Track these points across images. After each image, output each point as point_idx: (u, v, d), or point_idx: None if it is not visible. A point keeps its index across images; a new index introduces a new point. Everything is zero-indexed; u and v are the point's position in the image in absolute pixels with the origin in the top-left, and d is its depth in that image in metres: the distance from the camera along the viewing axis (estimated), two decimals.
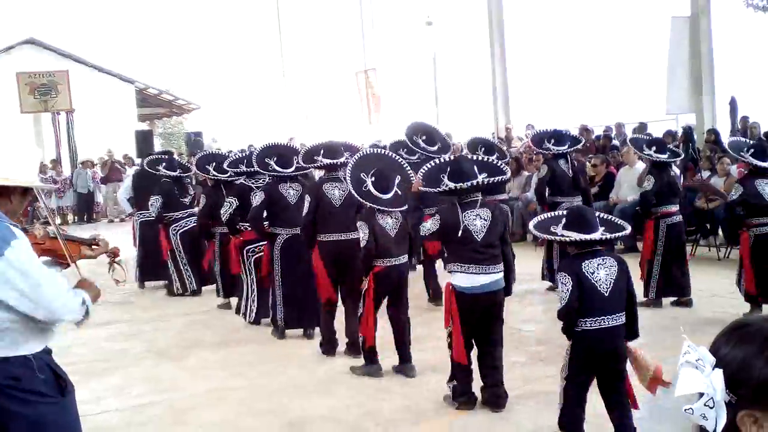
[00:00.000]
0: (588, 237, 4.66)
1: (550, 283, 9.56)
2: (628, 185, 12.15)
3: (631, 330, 4.83)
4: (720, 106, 15.52)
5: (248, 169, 8.75)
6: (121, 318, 9.50)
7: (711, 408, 1.49)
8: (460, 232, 5.49)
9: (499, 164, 5.96)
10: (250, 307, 8.73)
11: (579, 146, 10.43)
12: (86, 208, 23.07)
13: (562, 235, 4.74)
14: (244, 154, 9.77)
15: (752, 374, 1.47)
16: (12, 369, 3.31)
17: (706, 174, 11.73)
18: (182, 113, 36.92)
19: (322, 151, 7.45)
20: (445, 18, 25.93)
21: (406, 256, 6.63)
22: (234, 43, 39.44)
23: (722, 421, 1.48)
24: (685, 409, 1.52)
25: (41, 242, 3.76)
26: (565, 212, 5.01)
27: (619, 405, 4.81)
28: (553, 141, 9.64)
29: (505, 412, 5.60)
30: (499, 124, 20.50)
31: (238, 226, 8.62)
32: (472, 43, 24.34)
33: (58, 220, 11.16)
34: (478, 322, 5.67)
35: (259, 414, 5.88)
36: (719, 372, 1.49)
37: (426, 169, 5.91)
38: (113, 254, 4.29)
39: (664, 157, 8.51)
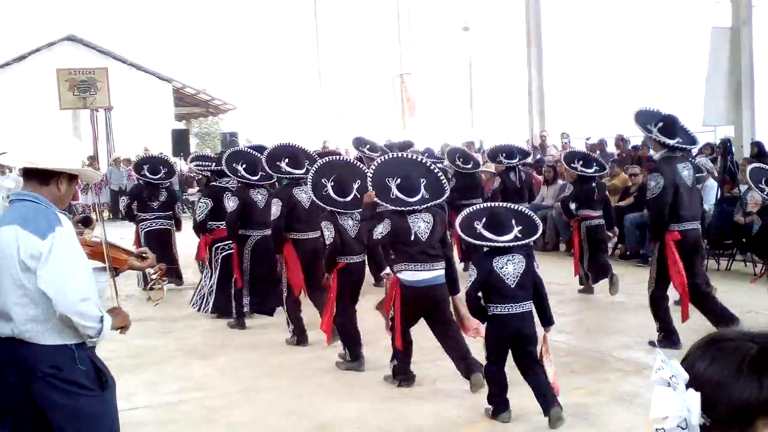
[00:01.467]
0: (499, 243, 5.46)
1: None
2: None
3: (543, 317, 5.65)
4: (760, 119, 15.29)
5: (217, 168, 9.46)
6: (153, 316, 9.54)
7: (684, 430, 1.41)
8: (412, 236, 6.14)
9: (442, 180, 6.59)
10: (206, 299, 9.37)
11: (527, 159, 12.22)
12: (120, 204, 23.29)
13: (481, 237, 5.50)
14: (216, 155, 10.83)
15: (730, 396, 1.40)
16: (54, 357, 3.35)
17: (744, 188, 11.57)
18: (218, 113, 37.22)
19: (286, 159, 8.09)
20: (482, 23, 25.87)
21: (364, 255, 7.33)
22: (271, 45, 39.64)
23: None
24: (656, 430, 1.44)
25: (91, 245, 3.80)
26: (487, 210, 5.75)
27: (535, 379, 5.50)
28: (504, 155, 11.12)
29: (535, 423, 5.56)
30: (534, 131, 20.37)
31: (208, 226, 9.29)
32: (508, 49, 24.25)
33: (93, 216, 11.28)
34: (426, 312, 6.31)
35: (288, 415, 5.89)
36: (695, 394, 1.41)
37: (373, 179, 6.48)
38: (161, 272, 4.31)
39: (589, 171, 9.68)
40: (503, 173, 11.08)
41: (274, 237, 7.99)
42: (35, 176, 3.45)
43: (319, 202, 7.09)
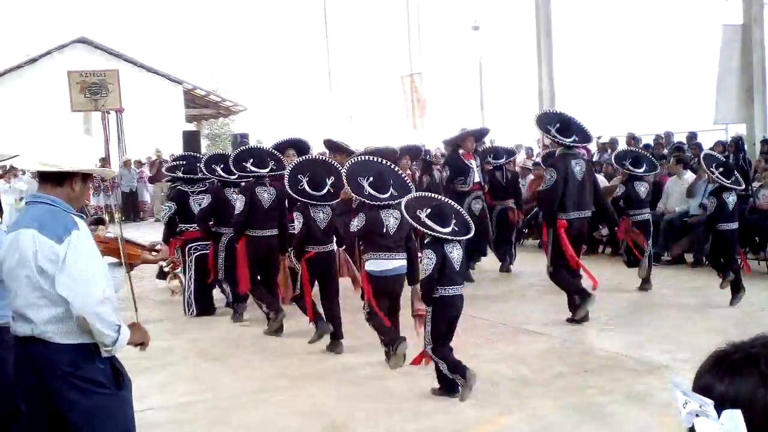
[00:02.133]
0: (445, 235, 6.01)
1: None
2: (677, 195, 12.00)
3: None
4: None
5: (187, 176, 9.80)
6: (166, 316, 9.61)
7: None
8: (384, 229, 6.82)
9: (407, 181, 7.30)
10: (189, 302, 9.60)
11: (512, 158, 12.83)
12: (131, 207, 23.40)
13: (428, 226, 6.01)
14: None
15: (766, 403, 1.39)
16: (73, 356, 3.38)
17: (756, 185, 11.53)
18: (229, 114, 37.29)
19: (251, 159, 8.63)
20: (492, 23, 25.86)
21: (333, 244, 7.80)
22: (281, 46, 39.73)
23: None
24: None
25: (105, 242, 3.83)
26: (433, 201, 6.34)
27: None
28: (492, 156, 11.77)
29: (548, 422, 5.55)
30: None
31: (177, 228, 9.60)
32: (518, 49, 24.23)
33: (106, 218, 11.36)
34: (391, 296, 7.04)
35: (300, 416, 5.90)
36: (735, 412, 1.38)
37: (348, 178, 7.08)
38: (173, 264, 4.36)
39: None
40: (491, 172, 11.70)
41: (234, 231, 8.67)
42: (50, 178, 3.47)
43: (294, 196, 7.66)
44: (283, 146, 9.49)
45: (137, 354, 3.82)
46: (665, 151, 14.63)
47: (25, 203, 3.61)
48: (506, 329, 8.32)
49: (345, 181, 7.13)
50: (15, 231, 3.41)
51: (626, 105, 21.13)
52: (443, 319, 6.12)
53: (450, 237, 6.02)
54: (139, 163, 24.02)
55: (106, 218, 11.38)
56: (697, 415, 1.43)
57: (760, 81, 14.93)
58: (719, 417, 1.39)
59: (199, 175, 9.63)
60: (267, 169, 8.57)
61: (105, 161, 24.04)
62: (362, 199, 7.05)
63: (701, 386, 1.47)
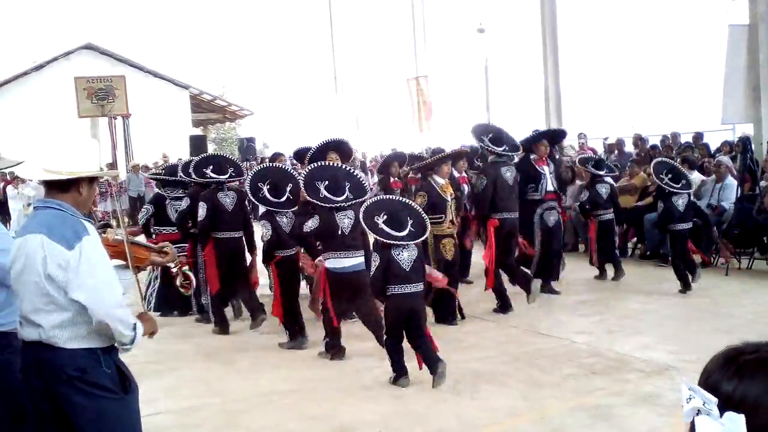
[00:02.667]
0: (395, 241, 6.43)
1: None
2: None
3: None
4: None
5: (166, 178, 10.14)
6: (173, 321, 9.62)
7: None
8: (339, 230, 7.22)
9: (363, 183, 7.66)
10: (149, 299, 9.87)
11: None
12: (139, 211, 23.43)
13: (381, 231, 6.43)
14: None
15: (765, 412, 1.36)
16: (79, 360, 3.38)
17: (764, 184, 11.49)
18: (235, 119, 37.36)
19: (211, 166, 9.00)
20: (498, 25, 25.87)
21: (298, 247, 8.15)
22: (287, 50, 39.76)
23: None
24: None
25: (113, 245, 3.83)
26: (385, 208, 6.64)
27: (423, 347, 6.47)
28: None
29: (557, 425, 5.54)
30: None
31: (153, 230, 9.99)
32: (524, 50, 24.24)
33: (113, 223, 11.43)
34: (349, 294, 7.37)
35: (308, 418, 5.89)
36: (738, 416, 1.36)
37: (304, 182, 7.47)
38: (181, 264, 4.36)
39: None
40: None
41: (199, 235, 9.08)
42: (56, 183, 3.47)
43: (256, 203, 8.18)
44: (324, 149, 8.87)
45: (145, 358, 3.82)
46: (673, 153, 14.59)
47: (33, 208, 3.60)
48: (515, 331, 8.30)
49: (302, 185, 7.53)
50: (23, 236, 3.42)
51: (632, 106, 21.10)
52: (397, 316, 6.53)
53: (400, 243, 6.44)
54: (147, 168, 24.04)
55: (113, 223, 11.47)
56: (698, 413, 1.41)
57: (766, 81, 14.86)
58: (721, 417, 1.37)
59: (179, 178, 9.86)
60: (226, 175, 8.94)
61: (112, 166, 24.09)
62: (317, 202, 7.39)
63: (708, 384, 1.44)
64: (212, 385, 6.98)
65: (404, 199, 7.08)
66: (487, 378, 6.62)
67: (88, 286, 3.29)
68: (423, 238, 6.71)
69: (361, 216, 6.62)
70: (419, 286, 6.56)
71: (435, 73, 26.59)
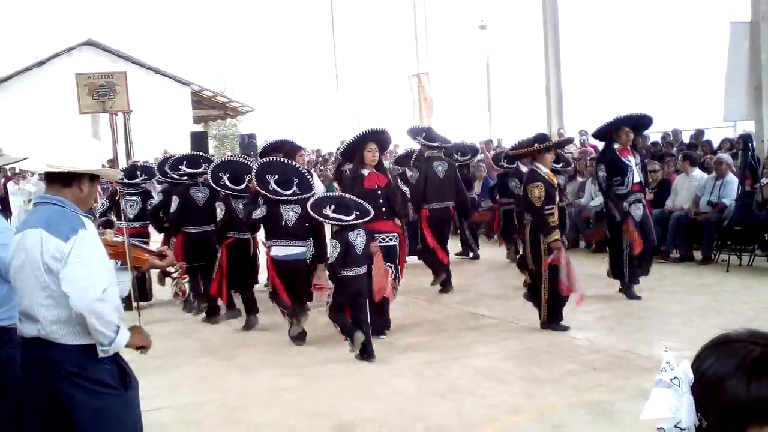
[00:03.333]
0: (353, 221, 7.23)
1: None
2: (686, 193, 11.96)
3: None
4: None
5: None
6: (174, 317, 9.63)
7: (682, 430, 1.44)
8: (282, 221, 7.92)
9: (310, 180, 8.28)
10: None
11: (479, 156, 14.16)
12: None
13: (334, 218, 7.24)
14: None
15: (721, 396, 1.40)
16: (78, 356, 3.38)
17: (765, 181, 11.48)
18: (236, 115, 37.36)
19: (185, 162, 9.60)
20: (499, 22, 25.83)
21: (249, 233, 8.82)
22: (288, 47, 39.77)
23: None
24: (658, 428, 1.48)
25: (113, 245, 3.83)
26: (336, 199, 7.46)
27: (363, 322, 7.30)
28: (459, 153, 12.23)
29: (558, 422, 5.54)
30: (553, 129, 20.26)
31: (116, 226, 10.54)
32: (525, 47, 24.20)
33: (114, 219, 11.47)
34: (290, 279, 8.06)
35: (309, 416, 5.90)
36: (690, 399, 1.43)
37: (256, 174, 8.01)
38: (181, 271, 4.35)
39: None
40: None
41: (170, 228, 9.70)
42: (58, 179, 3.48)
43: (217, 188, 8.85)
44: (362, 140, 8.40)
45: (147, 354, 3.81)
46: (674, 149, 14.58)
47: (33, 204, 3.61)
48: (516, 327, 8.30)
49: (253, 177, 8.07)
50: (22, 231, 3.43)
51: (634, 103, 21.04)
52: (345, 295, 7.28)
53: (353, 222, 7.21)
54: (146, 164, 23.99)
55: (114, 219, 11.49)
56: (668, 386, 1.47)
57: None
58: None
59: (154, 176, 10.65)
60: (200, 170, 9.45)
61: (113, 163, 24.07)
62: (265, 193, 7.97)
63: (697, 359, 1.50)
64: (213, 382, 6.99)
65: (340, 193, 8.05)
66: (488, 375, 6.63)
67: (73, 277, 3.28)
68: (368, 219, 7.37)
69: (310, 209, 7.31)
70: (366, 269, 7.39)
71: (436, 70, 26.56)
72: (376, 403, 6.11)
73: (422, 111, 25.52)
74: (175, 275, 4.42)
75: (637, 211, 9.08)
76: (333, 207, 7.27)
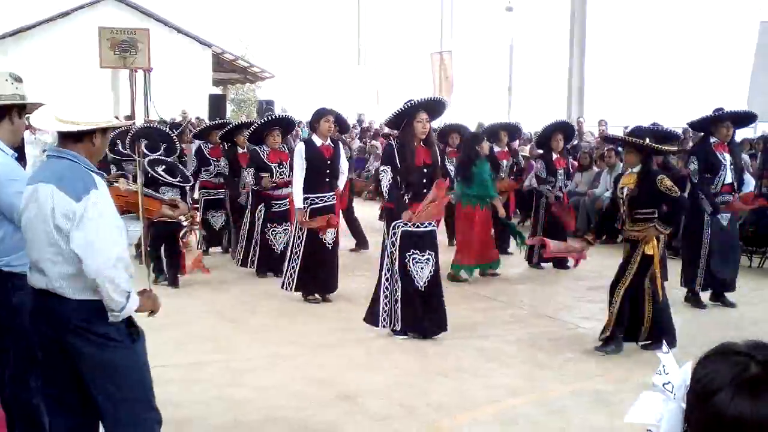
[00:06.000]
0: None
1: None
2: None
3: None
4: None
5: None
6: (183, 277, 9.67)
7: None
8: None
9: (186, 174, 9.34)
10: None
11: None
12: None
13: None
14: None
15: (710, 408, 1.38)
16: (84, 311, 3.41)
17: None
18: (256, 81, 37.17)
19: (145, 142, 9.51)
20: (526, 5, 25.62)
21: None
22: (312, 16, 39.53)
23: None
24: (647, 429, 1.48)
25: (124, 195, 3.84)
26: None
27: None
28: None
29: (557, 408, 5.58)
30: (572, 117, 20.21)
31: None
32: (551, 33, 24.04)
33: (128, 175, 11.50)
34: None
35: (312, 382, 5.95)
36: (679, 407, 1.42)
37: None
38: (192, 219, 4.36)
39: None
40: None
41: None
42: (70, 132, 3.47)
43: (151, 171, 9.01)
44: (415, 110, 7.65)
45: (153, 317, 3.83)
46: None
47: (46, 156, 3.61)
48: (521, 312, 8.33)
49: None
50: (34, 184, 3.42)
51: (655, 95, 20.91)
52: None
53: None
54: (164, 123, 23.99)
55: (129, 176, 11.54)
56: (660, 392, 1.47)
57: None
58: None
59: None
60: (157, 153, 9.55)
61: (130, 119, 24.06)
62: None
63: (697, 368, 1.48)
64: (219, 343, 7.05)
65: None
66: (491, 356, 6.66)
67: (86, 240, 3.29)
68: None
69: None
70: None
71: (459, 49, 26.41)
72: (379, 376, 6.16)
73: (442, 89, 25.43)
74: (185, 223, 4.43)
75: (725, 216, 8.33)
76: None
